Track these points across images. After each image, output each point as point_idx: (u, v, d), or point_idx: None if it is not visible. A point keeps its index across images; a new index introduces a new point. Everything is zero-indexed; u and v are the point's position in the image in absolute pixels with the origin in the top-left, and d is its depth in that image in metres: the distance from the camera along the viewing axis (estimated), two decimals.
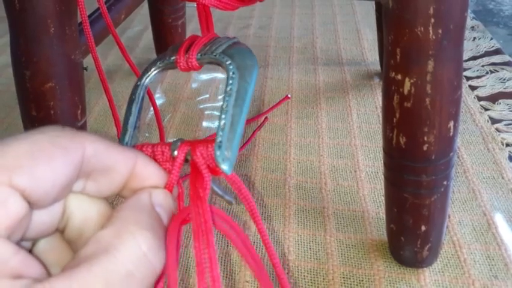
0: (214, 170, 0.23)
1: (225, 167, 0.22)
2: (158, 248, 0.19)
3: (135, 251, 0.18)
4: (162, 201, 0.22)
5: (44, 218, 0.20)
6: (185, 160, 0.23)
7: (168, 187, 0.23)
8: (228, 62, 0.25)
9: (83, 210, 0.21)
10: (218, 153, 0.22)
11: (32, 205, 0.18)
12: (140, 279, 0.18)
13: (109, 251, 0.18)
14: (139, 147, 0.24)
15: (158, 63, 0.27)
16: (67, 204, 0.21)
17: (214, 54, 0.25)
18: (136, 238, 0.19)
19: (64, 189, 0.19)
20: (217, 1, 0.34)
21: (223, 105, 0.23)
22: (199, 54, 0.26)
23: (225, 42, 0.26)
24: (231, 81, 0.24)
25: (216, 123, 0.79)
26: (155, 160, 0.24)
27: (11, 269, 0.16)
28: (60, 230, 0.22)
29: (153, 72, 0.27)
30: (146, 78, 0.27)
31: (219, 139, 0.22)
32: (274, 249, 0.25)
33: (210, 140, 0.23)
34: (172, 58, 0.26)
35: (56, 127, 0.20)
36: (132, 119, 0.26)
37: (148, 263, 0.18)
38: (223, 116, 0.23)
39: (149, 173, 0.22)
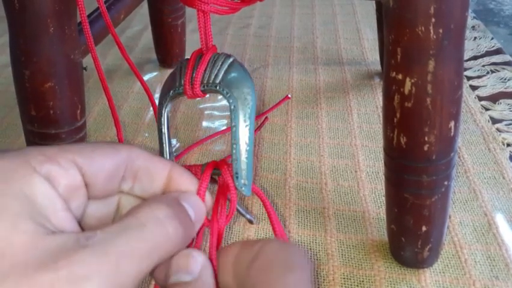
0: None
1: (244, 191, 0.27)
2: (176, 221, 0.22)
3: (148, 213, 0.22)
4: (189, 200, 0.25)
5: (101, 209, 0.25)
6: (214, 180, 0.28)
7: (198, 194, 0.26)
8: (228, 95, 0.28)
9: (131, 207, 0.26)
10: (237, 183, 0.27)
11: (87, 187, 0.23)
12: (153, 239, 0.21)
13: (130, 213, 0.22)
14: None
15: (171, 92, 0.31)
16: (120, 202, 0.26)
17: (215, 85, 0.29)
18: (150, 206, 0.22)
19: (113, 179, 0.24)
20: (217, 8, 0.34)
21: (232, 139, 0.28)
22: (202, 86, 0.30)
23: (221, 66, 0.30)
24: (233, 116, 0.28)
25: (216, 123, 0.79)
26: None
27: (58, 218, 0.20)
28: None
29: (168, 102, 0.31)
30: (165, 109, 0.31)
31: (235, 171, 0.27)
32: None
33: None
34: (181, 88, 0.30)
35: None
36: (166, 149, 0.30)
37: (162, 228, 0.22)
38: (234, 151, 0.27)
39: (183, 180, 0.26)
